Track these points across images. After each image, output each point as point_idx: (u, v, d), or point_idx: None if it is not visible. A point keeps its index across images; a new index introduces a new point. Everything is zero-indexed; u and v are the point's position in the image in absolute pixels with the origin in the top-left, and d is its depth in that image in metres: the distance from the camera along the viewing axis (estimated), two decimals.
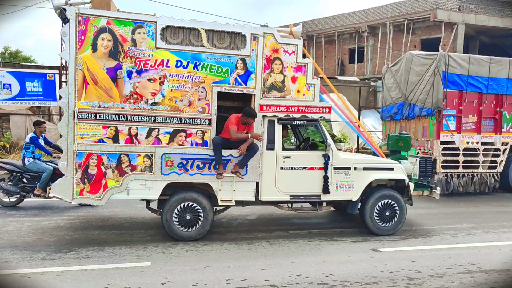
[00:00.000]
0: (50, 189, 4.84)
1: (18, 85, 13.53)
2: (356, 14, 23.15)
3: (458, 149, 8.77)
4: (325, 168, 5.31)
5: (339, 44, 23.94)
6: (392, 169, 5.69)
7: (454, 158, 8.74)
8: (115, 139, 4.79)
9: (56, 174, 6.44)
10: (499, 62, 8.97)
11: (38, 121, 7.09)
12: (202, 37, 4.91)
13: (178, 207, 5.00)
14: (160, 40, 4.80)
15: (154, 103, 4.85)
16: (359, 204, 5.63)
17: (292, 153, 5.38)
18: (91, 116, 4.70)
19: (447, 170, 8.71)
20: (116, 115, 4.76)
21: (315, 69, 5.52)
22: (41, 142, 6.75)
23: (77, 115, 4.67)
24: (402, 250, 5.01)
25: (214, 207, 5.26)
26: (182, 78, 4.89)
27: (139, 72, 4.78)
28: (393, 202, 5.57)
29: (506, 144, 9.19)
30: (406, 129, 9.65)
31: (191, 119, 4.94)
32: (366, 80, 19.58)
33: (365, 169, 5.51)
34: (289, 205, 5.60)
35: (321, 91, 5.45)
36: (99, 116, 4.72)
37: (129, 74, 4.76)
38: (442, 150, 8.58)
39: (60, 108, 14.09)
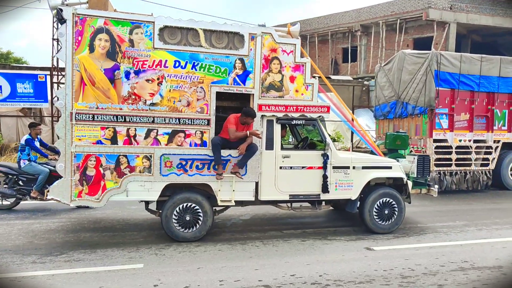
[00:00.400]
0: (48, 191, 4.81)
1: (9, 87, 13.36)
2: (349, 13, 23.25)
3: (450, 147, 8.85)
4: (324, 167, 5.34)
5: (332, 43, 24.01)
6: (390, 167, 5.74)
7: (447, 156, 8.81)
8: (114, 140, 4.76)
9: (53, 176, 6.43)
10: (490, 60, 9.06)
11: (33, 123, 7.04)
12: (200, 37, 4.91)
13: (178, 208, 5.00)
14: (158, 40, 4.79)
15: (153, 104, 4.83)
16: (358, 203, 5.64)
17: (291, 153, 5.40)
18: (89, 117, 4.68)
19: (440, 168, 8.77)
20: (114, 116, 4.74)
21: (312, 69, 5.50)
22: (37, 144, 6.73)
23: (75, 117, 4.64)
24: (395, 248, 5.03)
25: (214, 208, 5.26)
26: (181, 78, 4.88)
27: (137, 73, 4.76)
28: (392, 201, 5.63)
29: (498, 141, 9.30)
30: (399, 128, 9.70)
31: (189, 120, 4.93)
32: (360, 79, 19.66)
33: (363, 168, 5.55)
34: (288, 204, 5.62)
35: (319, 90, 5.48)
36: (97, 117, 4.70)
37: (127, 74, 4.74)
38: (435, 148, 8.65)
39: (51, 109, 13.97)
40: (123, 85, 4.73)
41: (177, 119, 4.89)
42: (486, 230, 5.93)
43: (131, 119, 4.77)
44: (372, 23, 21.97)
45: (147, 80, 4.78)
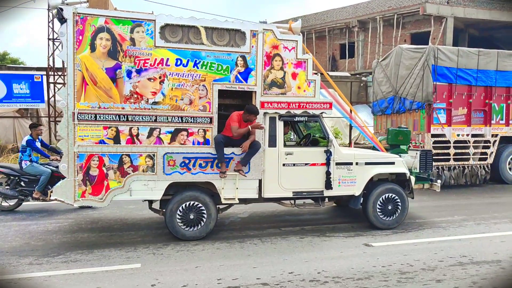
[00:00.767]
0: (51, 192, 4.80)
1: (5, 88, 13.30)
2: (346, 9, 23.20)
3: (448, 141, 8.86)
4: (327, 163, 5.35)
5: (329, 39, 23.95)
6: (393, 163, 5.75)
7: (445, 151, 8.81)
8: (116, 139, 4.76)
9: (55, 177, 6.45)
10: (488, 54, 9.05)
11: (34, 124, 7.05)
12: (201, 35, 4.90)
13: (181, 207, 5.00)
14: (159, 38, 4.78)
15: (155, 103, 4.83)
16: (361, 199, 5.65)
17: (294, 150, 5.41)
18: (91, 117, 4.67)
19: (438, 163, 8.78)
20: (117, 116, 4.73)
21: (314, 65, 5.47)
22: (38, 144, 6.72)
23: (77, 117, 4.63)
24: (394, 244, 5.03)
25: (217, 206, 5.26)
26: (183, 76, 4.87)
27: (138, 72, 4.76)
28: (395, 196, 5.64)
29: (496, 135, 9.31)
30: (397, 123, 9.69)
31: (192, 118, 4.93)
32: (357, 75, 19.63)
33: (366, 163, 5.56)
34: (292, 201, 5.63)
35: (320, 87, 5.47)
36: (99, 117, 4.69)
37: (129, 73, 4.73)
38: (433, 143, 8.66)
39: (48, 110, 13.91)
40: (125, 84, 4.73)
41: (179, 118, 4.88)
42: (485, 225, 5.93)
43: (134, 118, 4.77)
44: (369, 19, 21.93)
45: (149, 79, 4.78)
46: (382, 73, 10.37)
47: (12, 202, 6.76)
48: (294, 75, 5.20)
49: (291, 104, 5.20)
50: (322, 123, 5.42)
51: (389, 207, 5.61)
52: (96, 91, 4.65)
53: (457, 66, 8.78)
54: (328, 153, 5.33)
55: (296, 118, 5.35)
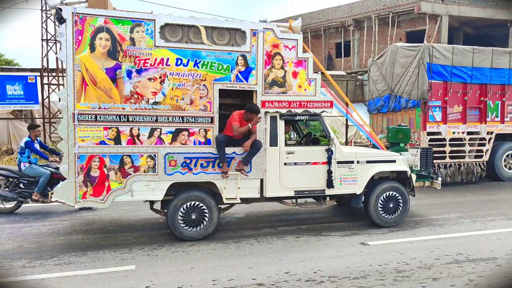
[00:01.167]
0: (52, 193, 4.78)
1: None
2: (341, 8, 23.24)
3: (444, 139, 8.89)
4: (329, 162, 5.35)
5: (325, 38, 23.95)
6: (394, 161, 5.78)
7: (441, 149, 8.82)
8: (117, 140, 4.74)
9: (54, 178, 6.44)
10: (482, 52, 9.08)
11: (32, 125, 6.99)
12: (201, 34, 4.89)
13: (183, 207, 4.99)
14: (159, 38, 4.76)
15: (155, 103, 4.81)
16: (363, 197, 5.65)
17: (295, 149, 5.41)
18: (92, 117, 4.65)
19: (434, 161, 8.74)
20: (117, 116, 4.71)
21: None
22: (37, 146, 6.70)
23: (77, 117, 4.61)
24: (390, 242, 5.01)
25: (219, 205, 5.25)
26: (183, 76, 4.86)
27: (139, 72, 4.74)
28: (396, 194, 5.66)
29: (491, 133, 9.34)
30: (393, 122, 9.71)
31: (193, 118, 4.92)
32: (353, 74, 19.64)
33: (368, 162, 5.57)
34: (293, 200, 5.64)
35: (321, 85, 5.46)
36: (100, 117, 4.67)
37: (129, 73, 4.71)
38: (428, 141, 8.68)
39: (43, 111, 13.81)
40: (125, 85, 4.71)
41: (180, 118, 4.88)
42: (481, 222, 5.94)
43: (134, 119, 4.76)
44: (364, 17, 21.99)
45: (149, 79, 4.77)
46: (377, 71, 10.38)
47: (11, 204, 6.73)
48: (294, 74, 5.21)
49: (292, 103, 5.20)
50: (323, 122, 5.44)
51: (391, 205, 5.63)
52: (96, 92, 4.64)
53: (452, 64, 8.81)
54: (330, 152, 5.35)
55: (297, 117, 5.36)
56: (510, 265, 4.19)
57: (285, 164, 5.25)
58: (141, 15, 4.74)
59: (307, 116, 5.39)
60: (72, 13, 4.51)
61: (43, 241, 5.17)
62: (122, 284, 3.81)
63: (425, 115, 8.74)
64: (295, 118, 5.44)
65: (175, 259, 4.46)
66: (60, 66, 14.33)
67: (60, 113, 14.12)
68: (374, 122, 10.84)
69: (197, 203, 5.02)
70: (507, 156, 9.65)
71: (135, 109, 4.74)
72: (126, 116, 4.72)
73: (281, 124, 5.27)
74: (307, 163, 5.33)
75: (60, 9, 4.50)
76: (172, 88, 4.83)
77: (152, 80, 4.77)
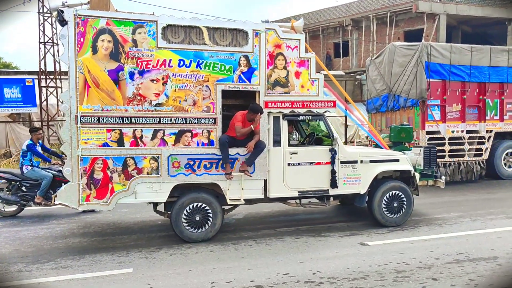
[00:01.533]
0: (55, 196, 4.77)
1: None
2: (339, 8, 23.24)
3: (443, 138, 8.87)
4: (332, 162, 5.36)
5: (323, 38, 23.94)
6: (397, 160, 5.78)
7: (440, 148, 8.78)
8: (120, 142, 4.74)
9: (56, 181, 6.45)
10: (480, 50, 9.07)
11: (34, 128, 6.99)
12: (203, 35, 4.90)
13: (187, 209, 4.99)
14: (161, 39, 4.77)
15: (158, 104, 4.82)
16: (367, 197, 5.66)
17: (298, 149, 5.41)
18: (94, 120, 4.65)
19: None
20: (120, 118, 4.72)
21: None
22: (39, 149, 6.71)
23: (80, 120, 4.61)
24: (390, 242, 4.99)
25: (223, 207, 5.26)
26: (185, 77, 4.87)
27: (141, 73, 4.75)
28: (400, 193, 5.67)
29: (491, 131, 9.34)
30: (391, 121, 9.68)
31: (196, 119, 4.92)
32: (352, 74, 19.63)
33: (371, 161, 5.57)
34: (297, 201, 5.64)
35: (324, 86, 5.48)
36: (103, 119, 4.67)
37: (131, 75, 4.72)
38: (428, 140, 8.65)
39: (41, 114, 13.77)
40: (128, 86, 4.72)
41: (183, 119, 4.88)
42: (481, 221, 5.91)
43: (137, 120, 4.76)
44: (362, 17, 21.98)
45: (152, 80, 4.77)
46: (375, 71, 10.36)
47: (13, 208, 6.73)
48: (297, 74, 5.21)
49: (295, 103, 5.21)
50: (326, 122, 5.45)
51: (395, 205, 5.64)
52: (99, 94, 4.64)
53: (450, 62, 8.80)
54: (333, 152, 5.35)
55: (300, 117, 5.37)
56: (510, 264, 4.17)
57: (288, 164, 5.25)
58: (143, 16, 4.75)
59: (310, 116, 5.40)
60: (74, 15, 4.51)
61: (40, 245, 5.15)
62: (119, 287, 3.77)
63: (424, 114, 8.72)
64: (298, 118, 5.44)
65: (173, 262, 4.44)
66: (58, 69, 14.31)
67: (58, 116, 14.09)
68: (373, 121, 10.82)
69: (201, 204, 5.02)
70: (507, 154, 9.64)
71: (138, 111, 4.75)
72: (129, 118, 4.73)
73: (284, 125, 5.28)
74: (311, 163, 5.33)
75: (62, 11, 4.51)
76: (175, 89, 4.84)
77: (155, 82, 4.77)
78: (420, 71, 8.67)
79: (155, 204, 5.40)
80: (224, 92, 5.02)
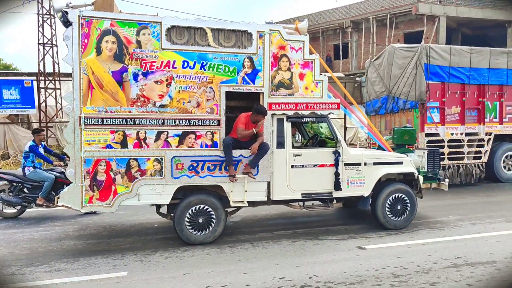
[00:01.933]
0: (58, 198, 4.75)
1: None
2: (339, 10, 23.27)
3: (443, 141, 8.84)
4: (336, 164, 5.35)
5: (323, 40, 23.93)
6: (401, 162, 5.77)
7: (439, 150, 8.68)
8: (123, 143, 4.74)
9: (58, 183, 6.46)
10: (480, 52, 9.05)
11: (36, 129, 6.99)
12: (208, 36, 4.90)
13: (190, 211, 4.98)
14: (165, 40, 4.77)
15: (162, 106, 4.82)
16: (370, 199, 5.64)
17: (302, 151, 5.41)
18: (98, 121, 4.65)
19: None
20: (124, 119, 4.72)
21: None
22: (41, 150, 6.70)
23: (84, 121, 4.61)
24: (388, 246, 4.97)
25: (226, 209, 5.25)
26: (190, 79, 4.87)
27: (145, 74, 4.75)
28: (404, 196, 5.66)
29: (490, 134, 9.31)
30: (391, 123, 9.65)
31: (200, 121, 4.92)
32: (352, 76, 19.61)
33: (375, 164, 5.56)
34: (300, 203, 5.63)
35: (328, 89, 5.46)
36: (106, 121, 4.67)
37: (135, 76, 4.72)
38: (427, 143, 8.60)
39: (39, 115, 13.74)
40: (132, 87, 4.72)
41: (187, 121, 4.88)
42: (480, 224, 5.87)
43: (141, 122, 4.76)
44: (362, 19, 22.01)
45: (156, 82, 4.78)
46: (375, 73, 10.35)
47: (15, 209, 6.70)
48: (301, 76, 5.21)
49: (298, 105, 5.21)
50: (330, 124, 5.44)
51: (398, 207, 5.62)
52: (103, 95, 4.64)
53: (449, 64, 8.78)
54: (337, 154, 5.34)
55: (304, 119, 5.35)
56: (509, 269, 4.14)
57: (292, 166, 5.24)
58: (148, 17, 4.76)
59: (314, 118, 5.38)
60: (78, 16, 4.52)
61: (34, 247, 5.12)
62: None
63: (423, 116, 8.70)
64: (302, 120, 5.42)
65: (168, 265, 4.40)
66: (57, 70, 14.28)
67: (56, 117, 14.06)
68: (372, 123, 10.77)
69: (204, 206, 5.02)
70: (506, 157, 9.61)
71: (142, 112, 4.75)
72: (132, 119, 4.73)
73: (288, 126, 5.27)
74: (315, 165, 5.32)
75: (66, 12, 4.51)
76: (179, 90, 4.84)
77: (159, 83, 4.77)
78: (419, 73, 8.65)
79: (158, 206, 5.39)
80: (227, 94, 5.02)
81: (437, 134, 8.84)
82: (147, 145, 4.78)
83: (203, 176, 4.95)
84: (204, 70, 4.88)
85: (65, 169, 6.16)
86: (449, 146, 8.91)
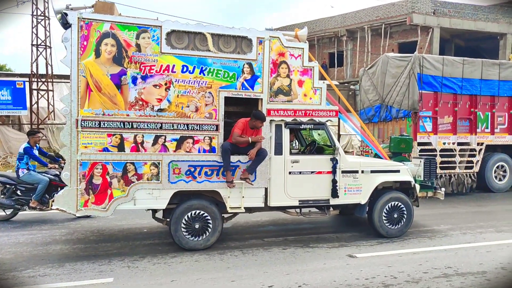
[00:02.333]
0: (53, 201, 4.70)
1: None
2: (334, 18, 23.48)
3: (435, 150, 8.88)
4: (333, 172, 5.35)
5: (318, 48, 24.10)
6: (398, 171, 5.78)
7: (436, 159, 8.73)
8: (121, 147, 4.70)
9: (52, 186, 6.38)
10: (472, 63, 9.15)
11: (32, 130, 6.87)
12: (208, 41, 4.91)
13: (186, 216, 4.94)
14: (165, 44, 4.76)
15: (160, 110, 4.79)
16: (367, 207, 5.64)
17: (300, 158, 5.41)
18: (95, 124, 4.60)
19: None
20: (121, 123, 4.67)
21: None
22: (36, 152, 6.62)
23: (81, 124, 4.56)
24: (378, 255, 4.93)
25: (223, 215, 5.21)
26: (189, 83, 4.86)
27: (144, 78, 4.73)
28: (400, 204, 5.67)
29: (482, 144, 9.36)
30: (384, 132, 9.68)
31: (198, 125, 4.89)
32: (346, 84, 19.72)
33: (372, 172, 5.57)
34: (297, 210, 5.62)
35: (327, 98, 5.50)
36: (104, 124, 4.63)
37: (134, 80, 4.69)
38: (419, 152, 8.62)
39: (31, 117, 13.59)
40: (130, 91, 4.69)
41: (185, 125, 4.85)
42: (471, 234, 5.87)
43: (139, 126, 4.72)
44: (357, 28, 22.24)
45: (155, 86, 4.75)
46: (369, 81, 10.41)
47: (7, 212, 6.58)
48: (300, 83, 5.23)
49: (297, 111, 5.22)
50: (328, 131, 5.46)
51: (395, 216, 5.63)
52: (101, 98, 4.61)
53: (442, 74, 8.88)
54: (334, 161, 5.34)
55: (302, 126, 5.36)
56: (499, 279, 4.13)
57: (289, 173, 5.24)
58: (148, 21, 4.76)
59: (312, 125, 5.39)
60: (78, 18, 4.50)
61: (19, 252, 5.01)
62: None
63: (416, 125, 8.75)
64: (300, 127, 5.42)
65: (155, 272, 4.32)
66: (50, 72, 14.17)
67: (48, 119, 13.91)
68: (369, 131, 10.81)
69: (200, 212, 4.99)
70: (497, 167, 9.68)
71: (140, 116, 4.73)
72: (130, 123, 4.70)
73: (286, 133, 5.28)
74: (312, 172, 5.32)
75: (66, 14, 4.48)
76: (178, 95, 4.83)
77: (158, 87, 4.76)
78: (412, 83, 8.72)
79: (154, 211, 5.37)
80: (226, 99, 5.02)
81: (429, 143, 8.90)
82: (145, 149, 4.75)
83: (200, 181, 4.92)
84: (204, 75, 4.88)
85: (59, 172, 6.09)
86: (441, 156, 8.96)
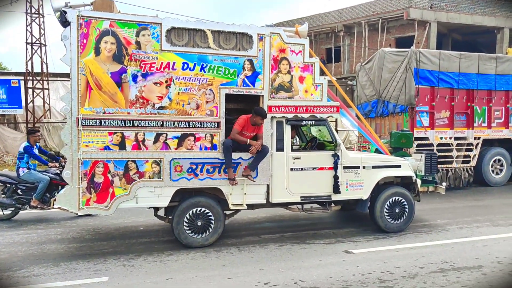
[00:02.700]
0: (54, 200, 4.72)
1: None
2: (331, 14, 23.39)
3: (432, 144, 8.88)
4: (335, 167, 5.38)
5: (316, 44, 24.00)
6: (399, 166, 5.82)
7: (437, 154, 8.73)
8: (122, 145, 4.71)
9: (53, 184, 6.40)
10: (469, 57, 9.14)
11: (32, 129, 6.87)
12: (208, 38, 4.91)
13: (189, 214, 4.96)
14: (165, 42, 4.76)
15: (161, 107, 4.81)
16: (369, 202, 5.68)
17: (301, 154, 5.44)
18: (96, 122, 4.61)
19: None
20: (122, 121, 4.68)
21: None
22: (36, 151, 6.62)
23: (81, 122, 4.57)
24: (375, 250, 4.95)
25: (225, 212, 5.24)
26: (189, 80, 4.86)
27: (144, 76, 4.73)
28: (402, 199, 5.72)
29: (479, 138, 9.39)
30: (381, 126, 9.68)
31: (199, 123, 4.90)
32: (343, 79, 19.68)
33: (373, 167, 5.61)
34: (299, 206, 5.67)
35: (328, 94, 5.48)
36: (104, 122, 4.63)
37: (134, 77, 4.70)
38: (416, 147, 8.61)
39: (26, 115, 13.52)
40: (131, 89, 4.70)
41: (186, 123, 4.86)
42: (467, 229, 5.89)
43: (140, 123, 4.73)
44: (354, 23, 22.18)
45: (155, 83, 4.76)
46: (365, 76, 10.39)
47: (8, 211, 6.58)
48: (301, 79, 5.24)
49: (298, 108, 5.23)
50: (329, 127, 5.48)
51: (397, 210, 5.68)
52: (101, 96, 4.61)
53: (439, 69, 8.88)
54: (336, 157, 5.36)
55: (304, 122, 5.37)
56: (495, 274, 4.15)
57: (291, 169, 5.26)
58: (147, 18, 4.76)
59: (313, 121, 5.40)
60: (77, 16, 4.49)
61: (14, 251, 5.00)
62: None
63: (413, 120, 8.76)
64: (302, 123, 5.44)
65: (151, 270, 4.31)
66: (45, 70, 14.07)
67: (44, 118, 13.83)
68: (370, 127, 10.79)
69: (203, 209, 5.01)
70: (494, 161, 9.73)
71: (141, 114, 4.73)
72: (131, 121, 4.70)
73: (287, 129, 5.30)
74: (314, 168, 5.34)
75: (65, 12, 4.48)
76: (178, 92, 4.83)
77: (158, 85, 4.76)
78: (409, 77, 8.71)
79: (156, 209, 5.38)
80: (227, 96, 5.03)
81: (426, 138, 8.91)
82: (146, 147, 4.76)
83: (202, 178, 4.94)
84: (204, 72, 4.88)
85: (60, 171, 6.04)
86: (438, 150, 8.96)
